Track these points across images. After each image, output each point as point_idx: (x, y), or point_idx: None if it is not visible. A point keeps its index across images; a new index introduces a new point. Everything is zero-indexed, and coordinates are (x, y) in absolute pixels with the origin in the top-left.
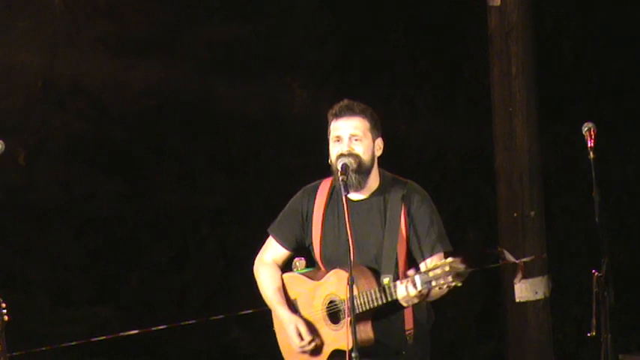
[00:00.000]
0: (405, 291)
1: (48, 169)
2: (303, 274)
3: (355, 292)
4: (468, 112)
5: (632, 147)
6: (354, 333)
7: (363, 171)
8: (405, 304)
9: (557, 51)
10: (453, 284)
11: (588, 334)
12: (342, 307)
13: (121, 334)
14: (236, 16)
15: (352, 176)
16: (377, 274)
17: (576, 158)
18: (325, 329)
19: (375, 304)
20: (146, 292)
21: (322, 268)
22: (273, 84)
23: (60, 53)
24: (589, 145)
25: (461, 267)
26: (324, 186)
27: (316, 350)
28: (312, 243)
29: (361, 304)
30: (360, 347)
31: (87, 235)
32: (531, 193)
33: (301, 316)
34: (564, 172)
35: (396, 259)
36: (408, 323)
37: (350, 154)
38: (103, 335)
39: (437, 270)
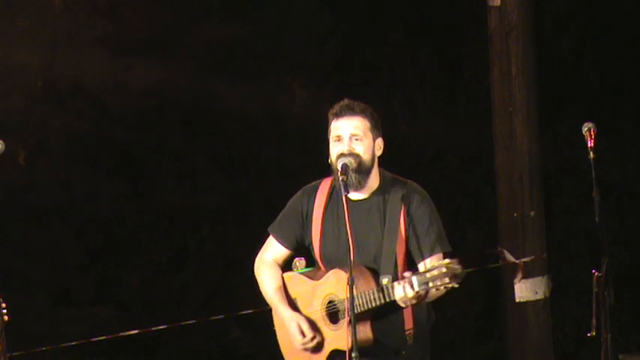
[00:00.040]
0: (403, 292)
1: (48, 169)
2: (302, 273)
3: (354, 293)
4: (468, 112)
5: (632, 147)
6: (353, 333)
7: (363, 171)
8: (402, 305)
9: (557, 51)
10: (450, 285)
11: (588, 334)
12: (341, 307)
13: (121, 334)
14: (236, 16)
15: (352, 176)
16: (376, 275)
17: (576, 158)
18: (324, 329)
19: (374, 304)
20: (146, 292)
21: (322, 268)
22: (273, 84)
23: (60, 53)
24: (589, 145)
25: (458, 268)
26: (324, 186)
27: (316, 349)
28: (311, 242)
29: (360, 304)
30: (359, 347)
31: (87, 235)
32: (531, 193)
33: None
34: (564, 172)
35: (395, 259)
36: (408, 323)
37: (350, 154)
38: (103, 335)
39: (434, 271)
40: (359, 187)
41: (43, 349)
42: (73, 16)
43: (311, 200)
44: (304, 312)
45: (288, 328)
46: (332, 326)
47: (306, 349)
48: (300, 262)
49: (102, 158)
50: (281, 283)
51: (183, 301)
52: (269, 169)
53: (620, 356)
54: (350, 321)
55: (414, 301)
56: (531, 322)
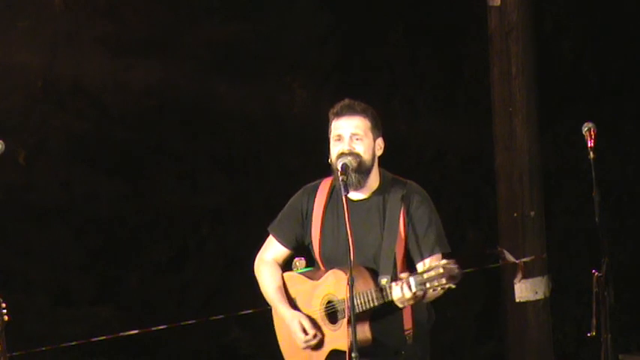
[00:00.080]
0: (401, 292)
1: (48, 169)
2: (302, 273)
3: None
4: (468, 112)
5: (632, 147)
6: (353, 333)
7: (363, 170)
8: (400, 306)
9: (557, 51)
10: (447, 286)
11: (588, 334)
12: (340, 308)
13: (121, 334)
14: (236, 16)
15: (352, 175)
16: (375, 275)
17: (576, 158)
18: (323, 329)
19: (372, 304)
20: (146, 292)
21: (322, 268)
22: (273, 84)
23: (60, 53)
24: (589, 145)
25: (455, 269)
26: (325, 185)
27: (316, 349)
28: (311, 242)
29: (358, 304)
30: (357, 347)
31: (87, 235)
32: (531, 193)
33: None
34: (564, 172)
35: (395, 259)
36: (407, 323)
37: (350, 153)
38: (103, 335)
39: (431, 272)
40: (359, 186)
41: (43, 349)
42: (73, 16)
43: (311, 200)
44: (303, 312)
45: (290, 326)
46: (331, 326)
47: (307, 348)
48: (300, 262)
49: (102, 158)
50: (281, 282)
51: (183, 301)
52: (269, 169)
53: (620, 356)
54: (350, 321)
55: (411, 302)
56: (531, 322)
